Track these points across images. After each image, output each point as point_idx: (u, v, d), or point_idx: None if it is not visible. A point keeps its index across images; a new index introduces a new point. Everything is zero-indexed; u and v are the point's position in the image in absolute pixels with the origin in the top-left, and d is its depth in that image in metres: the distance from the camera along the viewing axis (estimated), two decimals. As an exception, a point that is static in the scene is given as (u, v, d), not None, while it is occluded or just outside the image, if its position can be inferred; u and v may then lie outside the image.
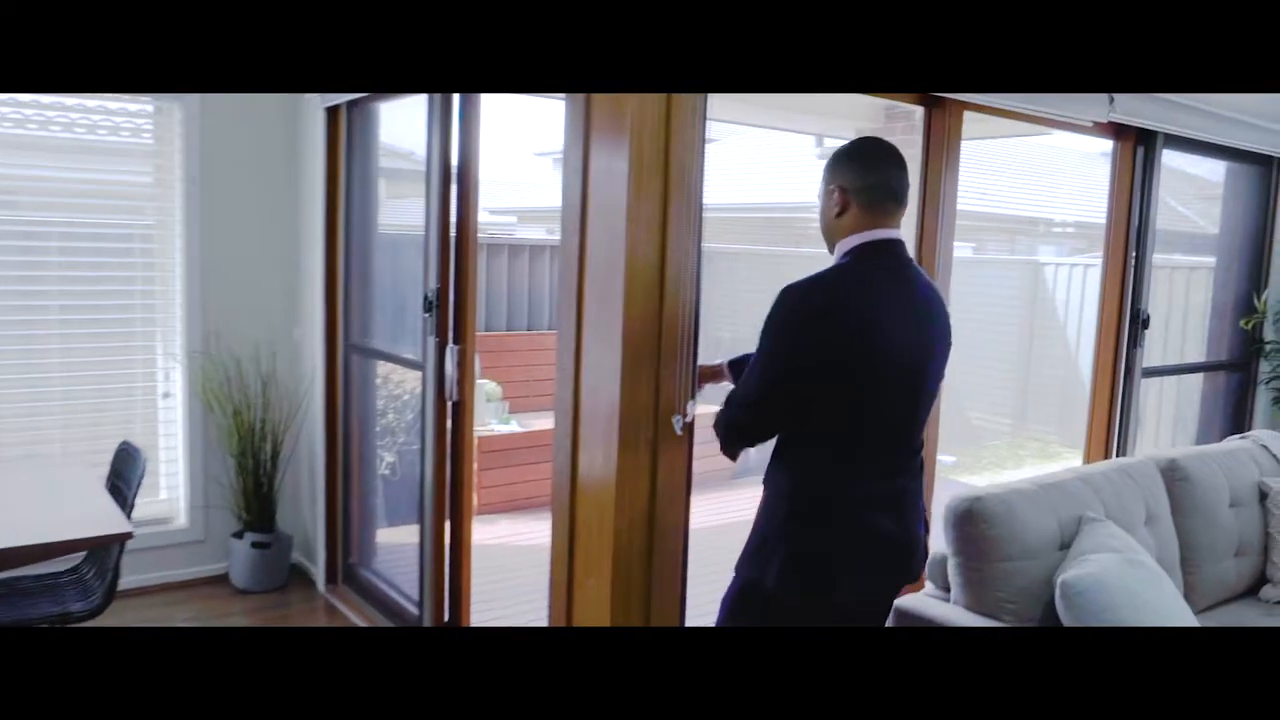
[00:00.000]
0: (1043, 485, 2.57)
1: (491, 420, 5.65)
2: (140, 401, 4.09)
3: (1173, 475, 2.95)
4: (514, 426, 5.60)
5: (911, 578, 2.03)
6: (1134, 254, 3.96)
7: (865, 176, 1.92)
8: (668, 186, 2.32)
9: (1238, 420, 4.74)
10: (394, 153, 4.02)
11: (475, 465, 5.43)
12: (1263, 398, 4.72)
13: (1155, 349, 4.44)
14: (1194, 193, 5.03)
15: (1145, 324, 3.99)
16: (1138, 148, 3.91)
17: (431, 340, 3.25)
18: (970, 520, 2.41)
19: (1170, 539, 2.85)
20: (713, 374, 2.42)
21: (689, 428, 2.43)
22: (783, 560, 1.90)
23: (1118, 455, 4.05)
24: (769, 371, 1.91)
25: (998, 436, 9.61)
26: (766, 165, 15.14)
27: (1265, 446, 3.32)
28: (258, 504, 4.14)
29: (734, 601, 2.00)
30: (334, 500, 4.10)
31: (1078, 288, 9.76)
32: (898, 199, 1.94)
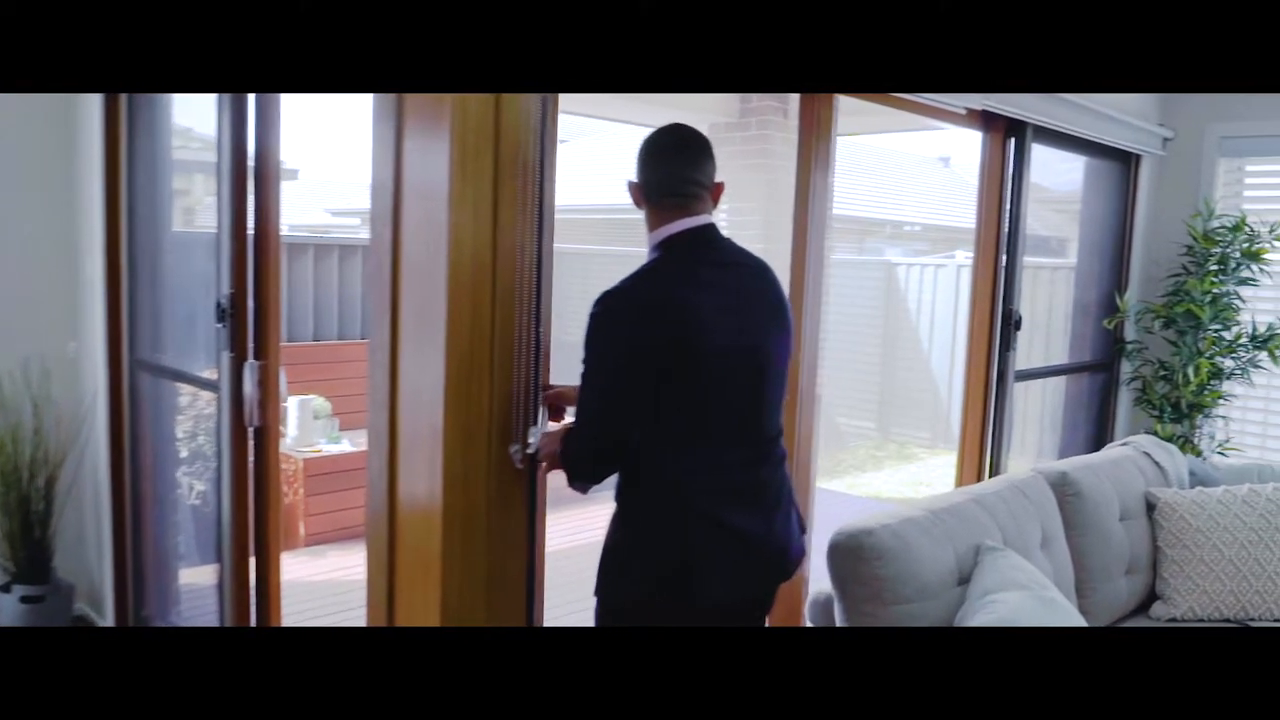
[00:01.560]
0: (936, 512, 2.27)
1: (320, 440, 5.09)
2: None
3: (1064, 490, 2.72)
4: (345, 446, 5.05)
5: (784, 576, 1.95)
6: (1004, 252, 3.77)
7: (654, 170, 1.90)
8: (498, 171, 1.91)
9: (1102, 421, 4.65)
10: (195, 144, 3.45)
11: (301, 491, 4.86)
12: (1125, 398, 4.64)
13: (1020, 351, 4.30)
14: (1039, 199, 4.93)
15: (1017, 325, 3.80)
16: (1008, 140, 3.71)
17: (226, 355, 2.73)
18: (859, 558, 2.08)
19: (1065, 561, 2.61)
20: (565, 397, 2.06)
21: (532, 459, 2.01)
22: (639, 574, 1.85)
23: (992, 460, 3.85)
24: (595, 386, 1.82)
25: (862, 438, 9.55)
26: (620, 164, 14.92)
27: (1148, 454, 3.14)
28: (28, 550, 3.49)
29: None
30: (123, 541, 3.49)
31: (929, 288, 9.81)
32: (688, 191, 1.88)
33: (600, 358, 1.81)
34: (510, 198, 1.92)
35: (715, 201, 1.95)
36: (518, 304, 1.95)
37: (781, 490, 1.95)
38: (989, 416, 3.84)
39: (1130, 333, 4.55)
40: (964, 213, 14.74)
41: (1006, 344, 3.78)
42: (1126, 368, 4.60)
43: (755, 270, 1.94)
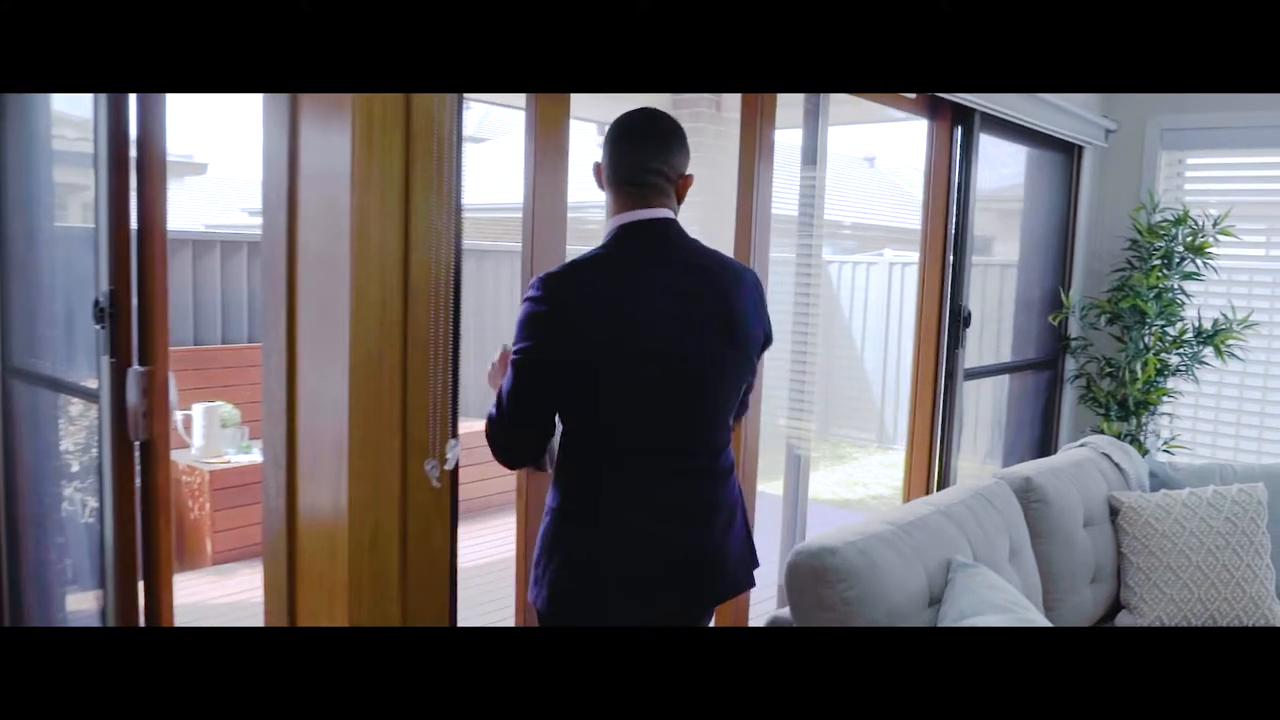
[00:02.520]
0: (902, 526, 2.07)
1: (228, 450, 4.74)
2: None
3: (1029, 497, 2.55)
4: (255, 456, 4.70)
5: (711, 599, 1.82)
6: (953, 245, 3.62)
7: (614, 154, 1.79)
8: (410, 148, 1.65)
9: (1048, 420, 4.54)
10: (77, 131, 3.10)
11: (207, 506, 4.52)
12: (1070, 396, 4.54)
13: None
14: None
15: (967, 322, 3.65)
16: (955, 128, 3.55)
17: (107, 361, 2.41)
18: (822, 580, 1.87)
19: (1032, 572, 2.44)
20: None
21: (452, 476, 1.76)
22: (551, 580, 1.72)
23: (941, 462, 3.69)
24: (515, 371, 1.69)
25: (814, 440, 9.41)
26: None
27: (1107, 455, 3.00)
28: (-112, 581, 3.11)
29: None
30: (-3, 569, 3.13)
31: (863, 286, 9.74)
32: (645, 180, 1.75)
33: (522, 342, 1.68)
34: (424, 178, 1.67)
35: (681, 195, 1.81)
36: (433, 300, 1.69)
37: (715, 507, 1.79)
38: (938, 416, 3.68)
39: (1074, 328, 4.45)
40: (891, 212, 14.88)
41: (956, 341, 3.62)
42: (1071, 365, 4.50)
43: (713, 274, 1.78)
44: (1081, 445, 3.08)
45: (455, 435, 1.72)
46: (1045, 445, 4.52)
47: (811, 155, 3.39)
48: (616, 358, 1.67)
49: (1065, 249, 4.46)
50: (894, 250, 14.74)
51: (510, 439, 1.74)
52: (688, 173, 1.81)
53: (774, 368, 3.96)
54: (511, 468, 1.84)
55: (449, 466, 1.71)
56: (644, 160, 1.76)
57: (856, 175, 15.79)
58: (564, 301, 1.65)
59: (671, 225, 1.77)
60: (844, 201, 14.03)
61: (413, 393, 1.69)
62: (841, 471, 8.44)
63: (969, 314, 3.64)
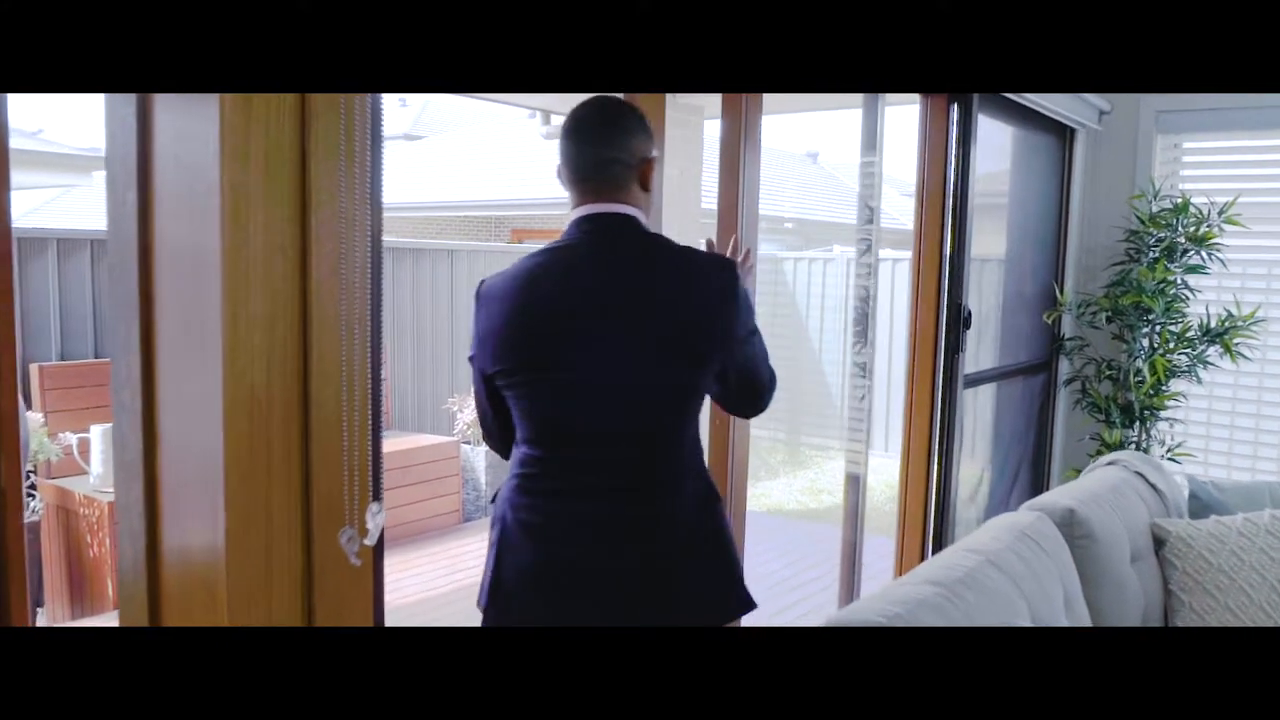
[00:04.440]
0: (950, 586, 1.64)
1: (132, 478, 4.19)
2: None
3: (1073, 532, 2.16)
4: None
5: (610, 618, 1.63)
6: (949, 240, 3.23)
7: (564, 149, 1.72)
8: (305, 116, 1.20)
9: (1041, 425, 4.18)
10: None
11: (108, 543, 3.98)
12: (1064, 400, 4.19)
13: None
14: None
15: (967, 323, 3.26)
16: (951, 106, 3.17)
17: (-65, 389, 1.90)
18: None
19: (1084, 622, 2.05)
20: None
21: (376, 551, 1.30)
22: (486, 583, 1.73)
23: (940, 478, 3.30)
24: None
25: (774, 445, 9.02)
26: (486, 160, 14.58)
27: (1140, 474, 2.62)
28: None
29: None
30: None
31: (819, 283, 9.39)
32: (594, 174, 1.68)
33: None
34: (326, 147, 1.21)
35: (645, 181, 1.70)
36: (345, 313, 1.23)
37: (634, 527, 1.64)
38: (935, 426, 3.29)
39: (1068, 328, 4.10)
40: (835, 208, 14.69)
41: (956, 345, 3.23)
42: (1065, 367, 4.15)
43: (647, 271, 1.66)
44: (1110, 463, 2.70)
45: (379, 497, 1.26)
46: (1040, 453, 4.17)
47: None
48: (527, 357, 1.64)
49: (1058, 241, 4.11)
50: (841, 246, 14.51)
51: (484, 428, 1.83)
52: (651, 155, 1.71)
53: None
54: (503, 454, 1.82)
55: (371, 541, 1.24)
56: (593, 153, 1.69)
57: (799, 171, 15.60)
58: (491, 301, 1.67)
59: (618, 218, 1.67)
60: (786, 198, 13.78)
61: (319, 439, 1.23)
62: (804, 478, 8.06)
63: (969, 314, 3.26)
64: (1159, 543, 2.41)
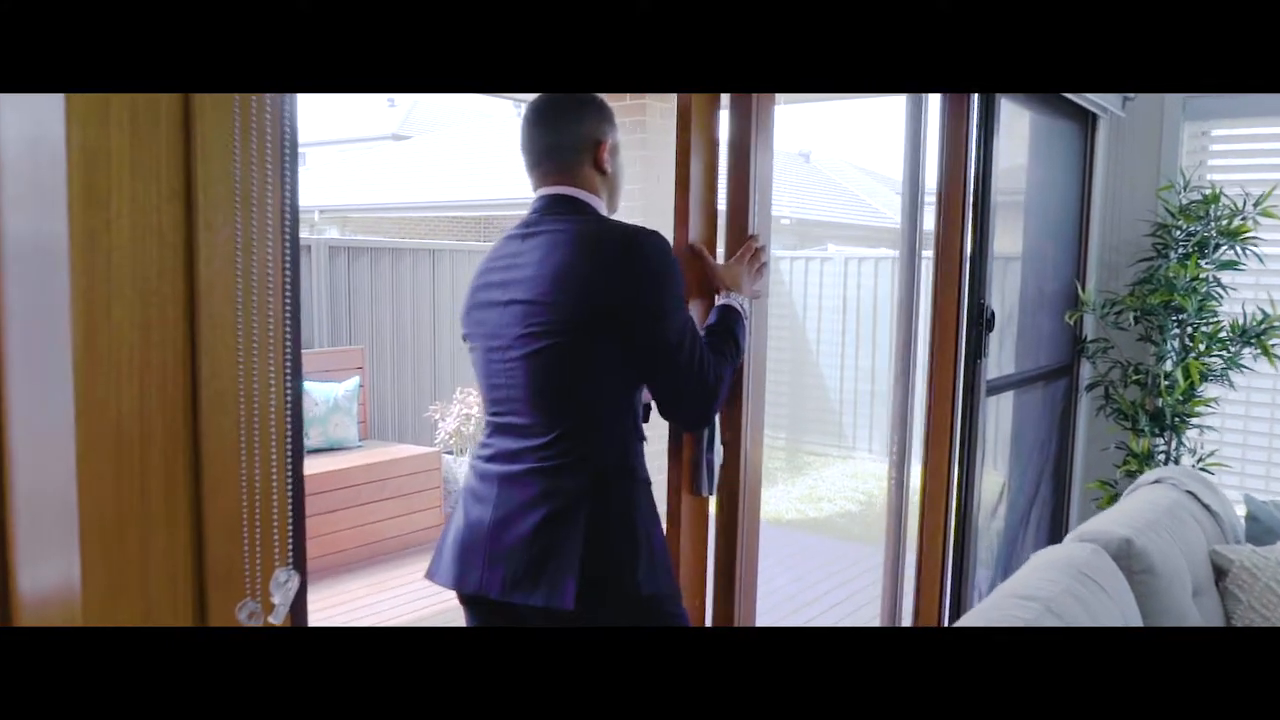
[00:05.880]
0: (1009, 642, 1.37)
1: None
2: None
3: (1131, 566, 1.88)
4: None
5: (479, 584, 1.67)
6: (969, 237, 2.95)
7: (520, 136, 1.80)
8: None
9: (1062, 434, 3.91)
10: None
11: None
12: (1086, 406, 3.91)
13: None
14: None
15: (990, 325, 2.99)
16: (970, 99, 2.89)
17: None
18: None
19: (1146, 674, 1.77)
20: None
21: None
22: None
23: (960, 494, 3.02)
24: None
25: (771, 450, 8.75)
26: (474, 159, 14.39)
27: (1191, 493, 2.35)
28: None
29: None
30: None
31: (815, 283, 9.12)
32: (538, 162, 1.77)
33: None
34: (220, 110, 0.93)
35: (599, 162, 1.76)
36: (244, 328, 0.94)
37: (524, 492, 1.66)
38: (955, 436, 3.01)
39: (1090, 329, 3.83)
40: (828, 207, 14.49)
41: (978, 349, 2.96)
42: (1086, 371, 3.88)
43: (551, 244, 1.68)
44: (1156, 481, 2.42)
45: (292, 563, 0.97)
46: (1062, 464, 3.90)
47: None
48: (466, 327, 1.80)
49: (1080, 236, 3.84)
50: (836, 245, 14.23)
51: None
52: (603, 138, 1.76)
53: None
54: None
55: (277, 618, 0.95)
56: (541, 138, 1.76)
57: (792, 171, 15.42)
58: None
59: (547, 200, 1.74)
60: (780, 197, 13.56)
61: (212, 483, 0.94)
62: (802, 484, 7.79)
63: (992, 314, 2.98)
64: (1220, 573, 2.13)
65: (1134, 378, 3.66)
